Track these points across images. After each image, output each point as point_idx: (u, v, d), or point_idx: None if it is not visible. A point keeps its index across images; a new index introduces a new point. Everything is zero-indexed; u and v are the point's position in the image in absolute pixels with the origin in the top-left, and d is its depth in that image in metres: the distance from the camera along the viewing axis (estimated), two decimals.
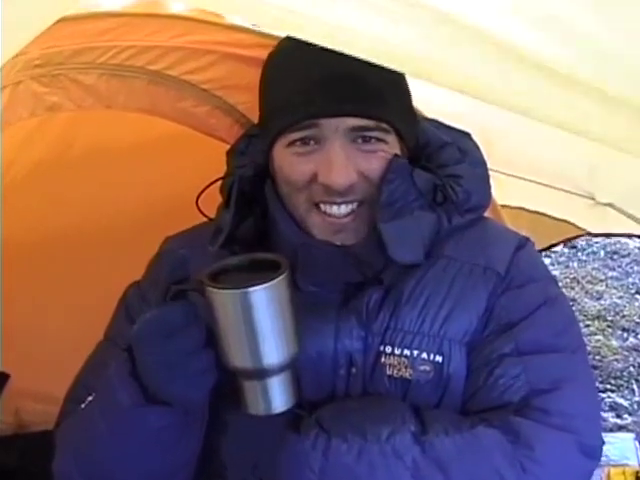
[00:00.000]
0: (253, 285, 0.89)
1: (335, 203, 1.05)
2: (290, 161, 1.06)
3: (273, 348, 0.91)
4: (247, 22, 1.29)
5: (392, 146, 1.07)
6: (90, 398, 1.03)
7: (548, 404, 1.01)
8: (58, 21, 1.16)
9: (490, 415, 1.01)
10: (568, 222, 2.28)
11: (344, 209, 1.06)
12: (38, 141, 1.60)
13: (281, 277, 0.90)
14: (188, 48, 1.29)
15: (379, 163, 1.05)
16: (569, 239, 2.53)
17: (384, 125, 1.05)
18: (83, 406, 1.04)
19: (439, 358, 1.05)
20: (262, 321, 0.90)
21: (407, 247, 1.06)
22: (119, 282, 1.23)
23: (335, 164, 1.02)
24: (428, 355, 1.05)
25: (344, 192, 1.03)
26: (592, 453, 1.03)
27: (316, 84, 1.03)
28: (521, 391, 1.02)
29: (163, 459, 1.00)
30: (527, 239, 1.18)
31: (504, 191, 1.67)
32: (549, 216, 2.22)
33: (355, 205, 1.06)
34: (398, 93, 1.10)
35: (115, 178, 1.75)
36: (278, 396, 0.94)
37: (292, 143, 1.05)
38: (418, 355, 1.05)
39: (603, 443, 1.06)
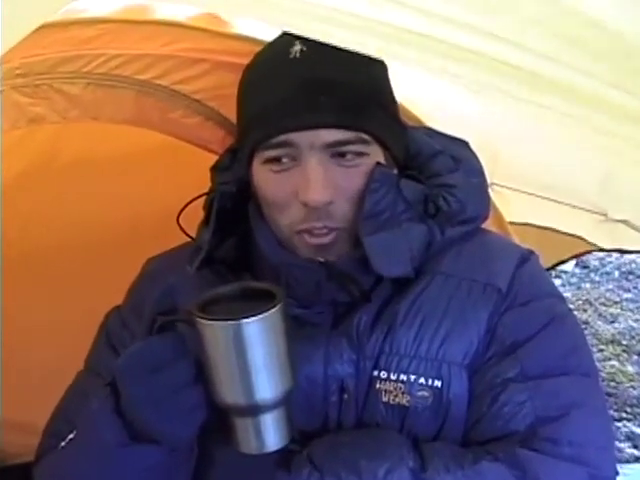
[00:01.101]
0: (246, 316, 0.84)
1: (315, 228, 1.00)
2: (267, 179, 1.01)
3: (267, 383, 0.87)
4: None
5: (374, 158, 1.01)
6: (71, 436, 0.98)
7: (557, 433, 0.95)
8: (41, 27, 1.14)
9: (494, 447, 0.95)
10: (578, 237, 2.21)
11: (326, 230, 1.01)
12: (21, 152, 1.55)
13: (276, 308, 0.86)
14: (179, 56, 1.25)
15: (360, 179, 1.00)
16: (579, 255, 2.47)
17: (364, 136, 0.99)
18: (64, 444, 0.99)
19: (438, 383, 0.99)
20: (255, 355, 0.86)
21: (393, 260, 1.01)
22: (106, 301, 1.18)
23: (312, 181, 0.97)
24: (426, 380, 0.99)
25: (323, 212, 0.99)
26: None
27: (287, 96, 0.99)
28: (527, 419, 0.96)
29: None
30: (531, 252, 1.11)
31: (509, 208, 1.63)
32: (558, 231, 2.16)
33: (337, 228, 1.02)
34: (378, 98, 1.04)
35: (101, 191, 1.70)
36: (272, 434, 0.90)
37: (268, 160, 1.01)
38: (415, 380, 0.99)
39: (617, 474, 1.01)
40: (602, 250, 2.32)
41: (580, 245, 2.25)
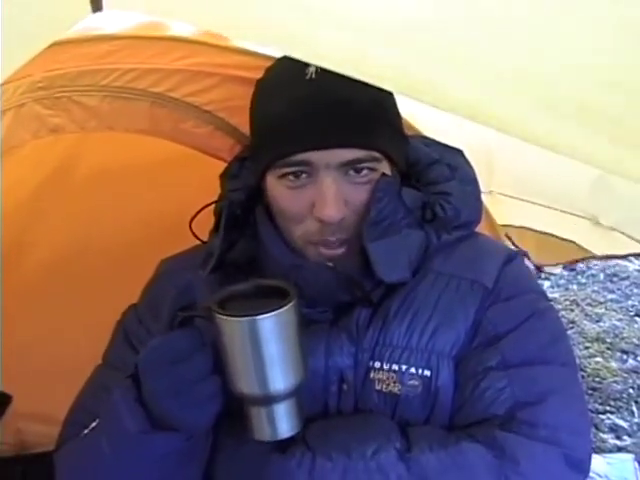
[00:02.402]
0: (262, 313, 0.89)
1: (329, 242, 1.06)
2: (283, 194, 1.06)
3: (280, 375, 0.91)
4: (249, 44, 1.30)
5: (382, 172, 1.06)
6: (94, 424, 1.02)
7: (533, 417, 1.01)
8: (61, 43, 1.20)
9: (475, 430, 1.01)
10: (574, 242, 2.26)
11: (338, 243, 1.06)
12: (42, 162, 1.61)
13: (289, 305, 0.90)
14: (190, 70, 1.30)
15: (369, 193, 1.05)
16: (573, 262, 2.50)
17: (375, 154, 1.05)
18: (86, 431, 1.03)
19: (427, 372, 1.05)
20: (270, 348, 0.90)
21: (394, 266, 1.07)
22: (121, 302, 1.22)
23: (328, 199, 1.02)
24: (416, 370, 1.05)
25: (336, 226, 1.04)
26: (579, 466, 1.02)
27: (306, 117, 1.03)
28: (506, 404, 1.02)
29: None
30: (517, 253, 1.18)
31: (508, 211, 1.65)
32: (555, 236, 2.20)
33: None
34: (387, 115, 1.09)
35: (118, 197, 1.75)
36: (284, 422, 0.94)
37: (284, 176, 1.05)
38: (406, 370, 1.05)
39: (590, 456, 1.05)
40: (594, 257, 2.36)
41: (574, 251, 2.29)
